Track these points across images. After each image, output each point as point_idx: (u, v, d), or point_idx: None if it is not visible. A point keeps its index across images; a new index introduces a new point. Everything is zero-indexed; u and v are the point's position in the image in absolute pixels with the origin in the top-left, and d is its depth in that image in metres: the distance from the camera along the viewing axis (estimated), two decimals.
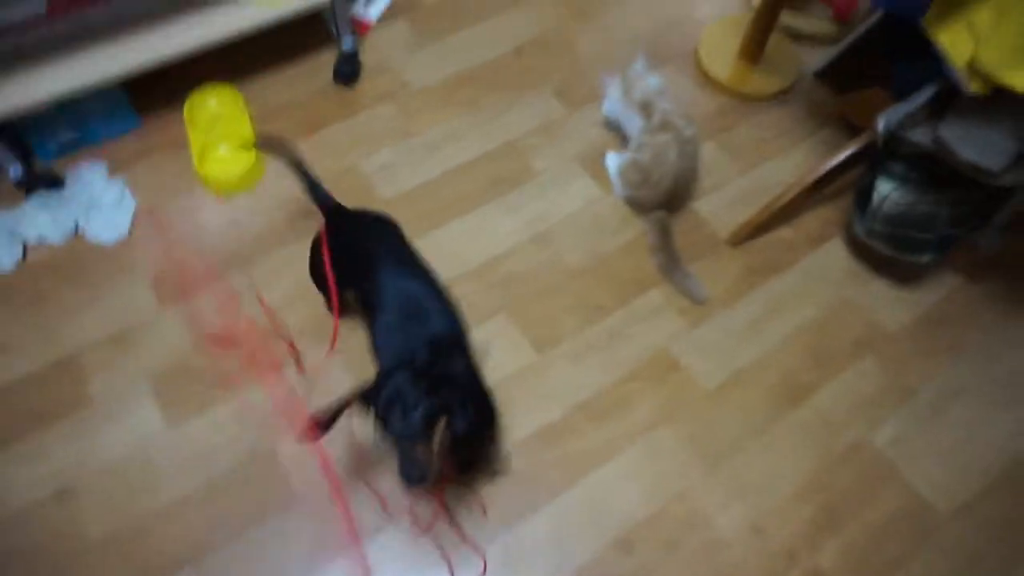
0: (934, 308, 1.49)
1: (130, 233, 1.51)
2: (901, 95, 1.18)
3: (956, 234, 1.31)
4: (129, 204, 1.52)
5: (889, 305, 1.49)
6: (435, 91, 1.75)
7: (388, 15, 1.88)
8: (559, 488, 1.27)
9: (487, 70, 1.79)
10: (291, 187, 1.56)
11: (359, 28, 1.84)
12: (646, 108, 1.51)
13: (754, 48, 1.81)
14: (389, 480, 1.25)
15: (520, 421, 1.32)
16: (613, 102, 1.62)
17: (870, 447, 1.33)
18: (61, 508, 1.22)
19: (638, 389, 1.37)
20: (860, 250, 1.55)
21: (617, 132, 1.68)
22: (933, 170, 1.24)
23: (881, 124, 1.19)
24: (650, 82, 1.53)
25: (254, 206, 1.57)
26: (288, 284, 1.45)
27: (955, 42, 0.99)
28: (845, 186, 1.61)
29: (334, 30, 1.67)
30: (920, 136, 1.17)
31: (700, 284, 1.47)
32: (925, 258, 1.36)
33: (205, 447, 1.28)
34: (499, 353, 1.39)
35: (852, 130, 1.71)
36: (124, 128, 1.63)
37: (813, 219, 1.61)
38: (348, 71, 1.70)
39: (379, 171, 1.62)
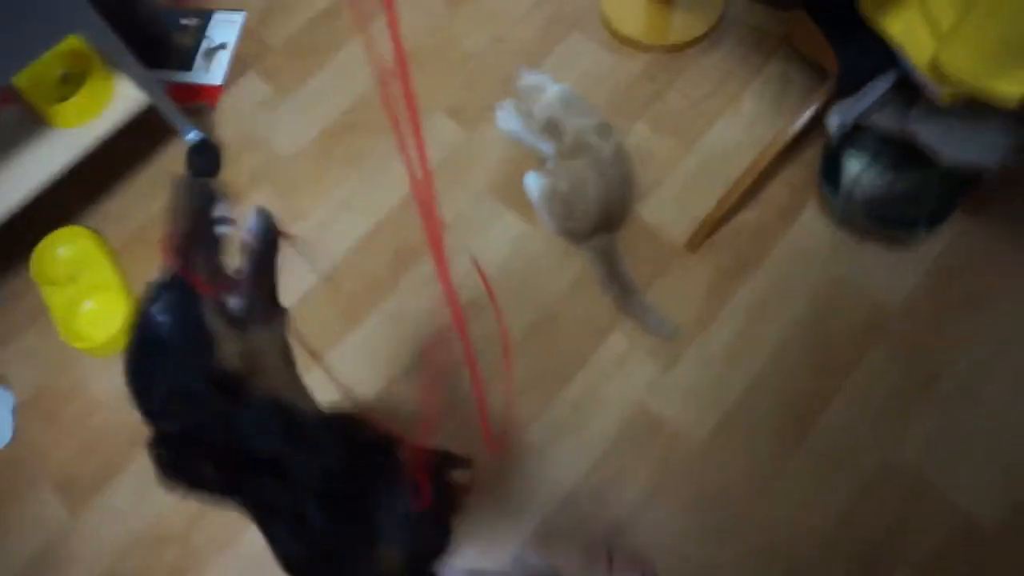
0: (938, 260, 1.32)
1: (15, 434, 1.37)
2: (847, 86, 0.96)
3: (952, 202, 1.11)
4: (5, 401, 1.38)
5: (887, 273, 1.33)
6: (309, 155, 1.55)
7: (236, 70, 1.65)
8: None
9: (359, 110, 1.58)
10: None
11: (207, 96, 1.62)
12: (553, 128, 1.31)
13: None
14: None
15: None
16: (512, 129, 1.42)
17: (901, 463, 1.20)
18: None
19: (624, 463, 1.25)
20: None
21: (530, 147, 1.47)
22: (909, 146, 1.04)
23: (834, 125, 0.99)
24: (549, 95, 1.32)
25: None
26: None
27: (910, 33, 0.77)
28: (810, 139, 1.41)
29: (173, 124, 1.46)
30: (887, 122, 0.97)
31: (662, 317, 1.32)
32: (919, 232, 1.18)
33: None
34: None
35: (804, 58, 1.49)
36: None
37: (777, 188, 1.42)
38: (203, 163, 1.51)
39: None
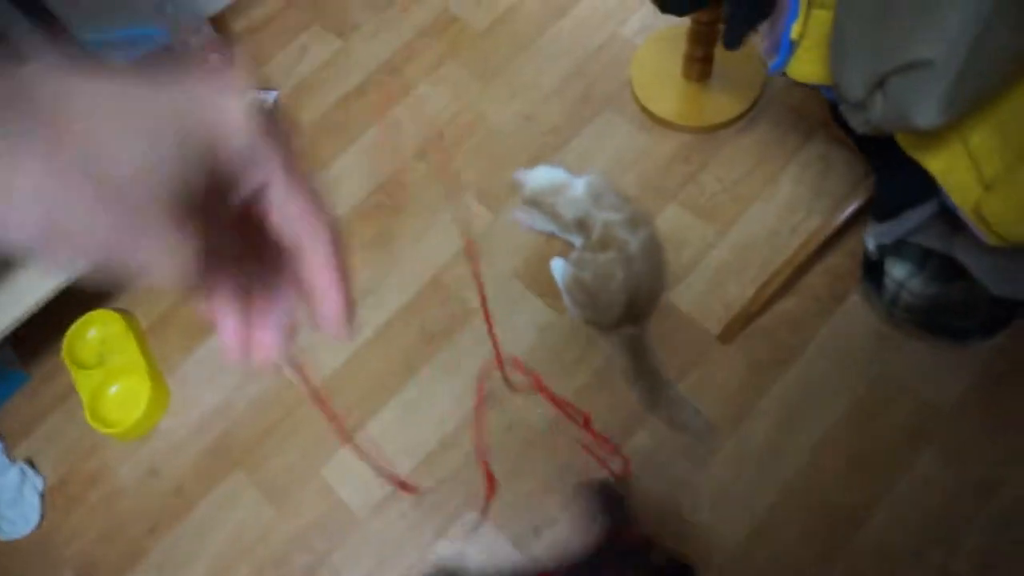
0: (994, 362, 1.24)
1: (42, 518, 1.38)
2: (884, 213, 0.91)
3: (1009, 314, 1.04)
4: (34, 485, 1.40)
5: (936, 372, 1.25)
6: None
7: None
8: None
9: (389, 189, 1.58)
10: (206, 406, 1.41)
11: None
12: (583, 225, 1.28)
13: (700, 64, 1.53)
14: None
15: None
16: (537, 228, 1.41)
17: None
18: None
19: None
20: None
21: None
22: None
23: (871, 244, 0.94)
24: (575, 192, 1.30)
25: (169, 443, 1.42)
26: (221, 543, 1.31)
27: (952, 173, 0.72)
28: (853, 227, 1.35)
29: None
30: (933, 242, 0.91)
31: (696, 411, 1.26)
32: (971, 342, 1.11)
33: None
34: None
35: (844, 142, 1.44)
36: (12, 387, 1.50)
37: (817, 276, 1.37)
38: None
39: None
